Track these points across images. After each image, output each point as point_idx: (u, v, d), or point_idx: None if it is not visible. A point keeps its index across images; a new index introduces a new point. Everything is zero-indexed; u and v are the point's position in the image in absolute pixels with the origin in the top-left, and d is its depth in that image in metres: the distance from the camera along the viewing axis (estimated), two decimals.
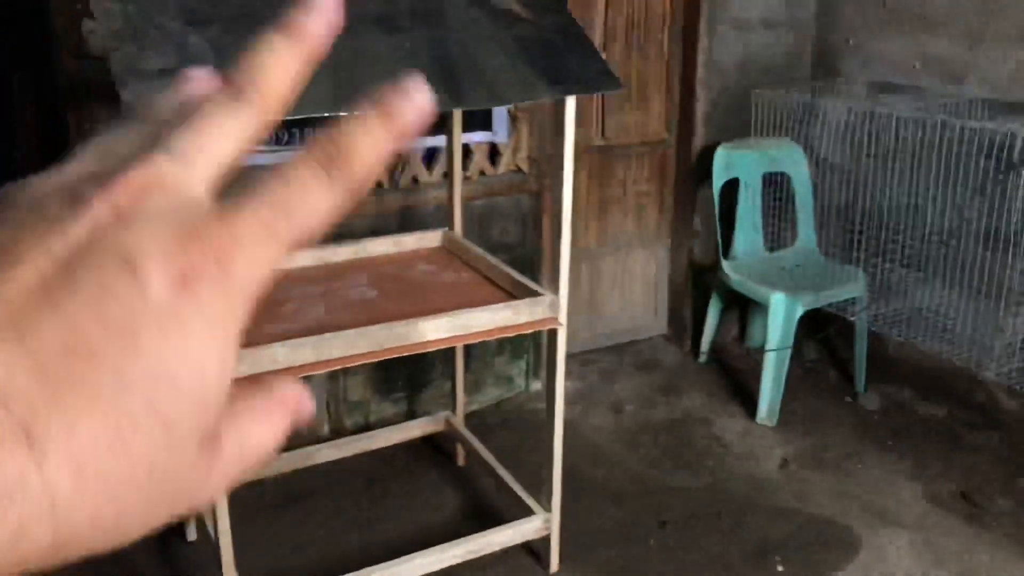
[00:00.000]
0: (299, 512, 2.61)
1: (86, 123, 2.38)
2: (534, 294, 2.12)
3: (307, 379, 2.81)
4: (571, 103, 1.93)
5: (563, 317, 2.12)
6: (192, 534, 2.50)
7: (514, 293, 2.19)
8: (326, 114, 1.76)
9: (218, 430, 0.26)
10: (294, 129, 2.60)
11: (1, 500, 0.21)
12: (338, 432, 2.94)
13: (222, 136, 0.27)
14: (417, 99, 0.27)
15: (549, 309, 2.08)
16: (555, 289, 2.12)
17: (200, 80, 0.29)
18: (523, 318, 2.04)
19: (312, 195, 0.26)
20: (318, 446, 2.72)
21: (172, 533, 2.50)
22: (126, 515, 0.24)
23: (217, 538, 1.97)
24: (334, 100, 1.74)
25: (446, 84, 1.81)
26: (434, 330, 1.92)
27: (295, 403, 0.28)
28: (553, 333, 2.15)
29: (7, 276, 0.23)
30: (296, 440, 2.85)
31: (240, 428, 0.27)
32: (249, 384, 0.28)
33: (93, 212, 0.24)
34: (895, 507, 2.69)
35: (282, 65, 0.28)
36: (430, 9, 1.92)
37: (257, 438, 0.27)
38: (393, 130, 0.27)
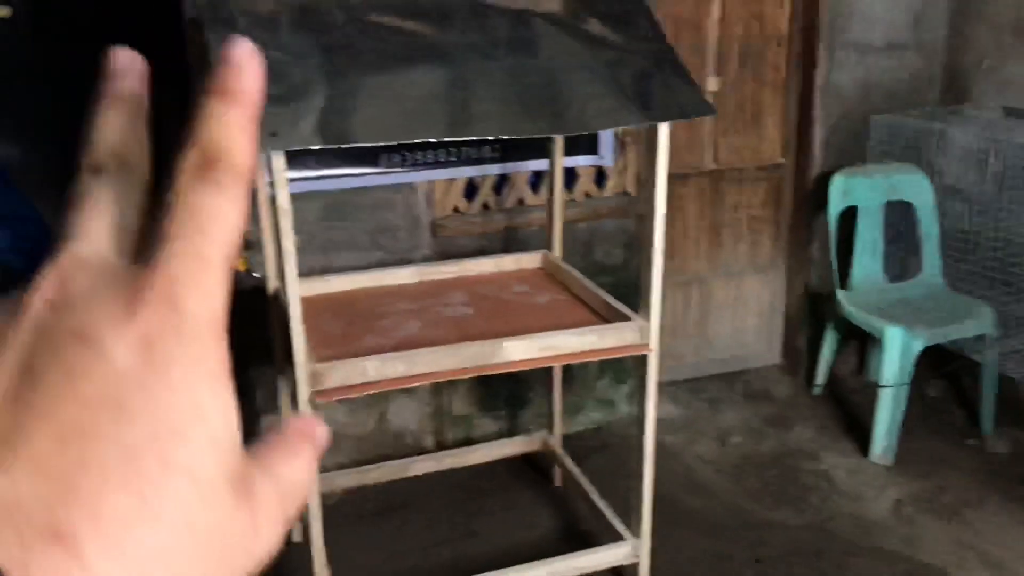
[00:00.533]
0: (396, 521, 2.68)
1: None
2: (626, 319, 2.11)
3: (411, 392, 2.91)
4: (664, 129, 1.93)
5: (654, 343, 2.11)
6: (297, 535, 2.62)
7: (607, 317, 2.19)
8: (444, 139, 1.84)
9: (249, 475, 0.25)
10: (406, 152, 2.70)
11: None
12: (441, 445, 3.01)
13: (105, 203, 0.27)
14: (242, 63, 0.27)
15: (638, 334, 2.08)
16: (647, 315, 2.11)
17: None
18: (609, 343, 2.04)
19: (211, 206, 0.25)
20: (418, 457, 2.80)
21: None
22: None
23: (311, 542, 2.06)
24: (449, 125, 1.82)
25: (537, 111, 1.85)
26: (519, 350, 1.95)
27: (312, 432, 0.28)
28: (642, 359, 2.14)
29: None
30: (399, 451, 2.94)
31: (270, 470, 0.27)
32: (262, 438, 0.28)
33: (28, 312, 0.24)
34: (1018, 561, 2.51)
35: (120, 127, 0.28)
36: (524, 38, 1.96)
37: (290, 476, 0.27)
38: (241, 105, 0.26)
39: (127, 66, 0.29)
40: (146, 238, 0.26)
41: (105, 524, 0.22)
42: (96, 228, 0.26)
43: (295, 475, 0.27)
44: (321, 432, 0.29)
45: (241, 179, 0.26)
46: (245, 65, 0.27)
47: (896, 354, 2.96)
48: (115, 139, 0.28)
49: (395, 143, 2.57)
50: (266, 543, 0.26)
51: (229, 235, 0.26)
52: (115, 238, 0.26)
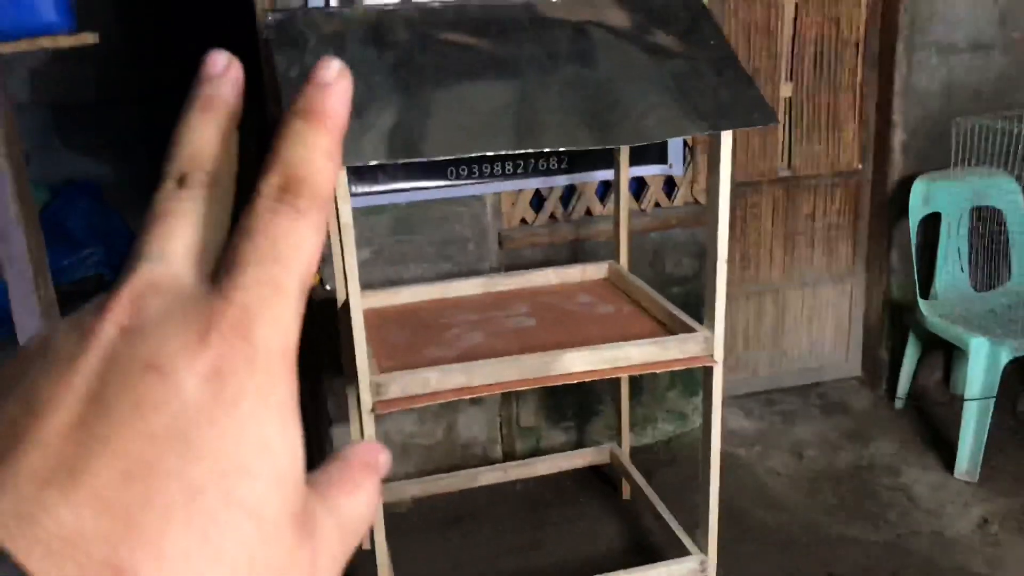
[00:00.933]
0: (462, 531, 2.71)
1: None
2: (690, 330, 2.09)
3: (479, 403, 2.93)
4: (726, 138, 1.91)
5: (719, 354, 2.08)
6: (366, 543, 2.67)
7: (672, 328, 2.17)
8: (514, 151, 1.85)
9: (311, 512, 0.25)
10: (474, 165, 2.73)
11: None
12: (509, 456, 3.02)
13: (184, 223, 0.26)
14: (329, 84, 0.26)
15: (702, 346, 2.05)
16: (711, 326, 2.08)
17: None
18: (672, 354, 2.02)
19: (289, 232, 0.25)
20: (486, 468, 2.81)
21: None
22: None
23: (373, 550, 2.09)
24: (513, 138, 1.84)
25: (597, 122, 1.85)
26: (578, 362, 1.95)
27: (375, 462, 0.28)
28: (708, 370, 2.11)
29: (39, 426, 0.22)
30: (467, 461, 2.96)
31: (331, 504, 0.26)
32: (325, 466, 0.27)
33: (100, 337, 0.23)
34: None
35: (209, 138, 0.27)
36: (585, 50, 1.96)
37: (352, 511, 0.27)
38: (325, 127, 0.26)
39: (223, 71, 0.28)
40: (223, 260, 0.25)
41: (167, 564, 0.21)
42: (175, 247, 0.25)
43: (357, 510, 0.27)
44: (384, 459, 0.28)
45: (323, 206, 0.26)
46: (334, 86, 0.26)
47: (982, 366, 2.84)
48: (204, 149, 0.27)
49: (462, 156, 2.61)
50: None
51: (306, 264, 0.25)
52: (194, 259, 0.26)
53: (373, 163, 1.88)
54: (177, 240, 0.26)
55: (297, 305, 0.25)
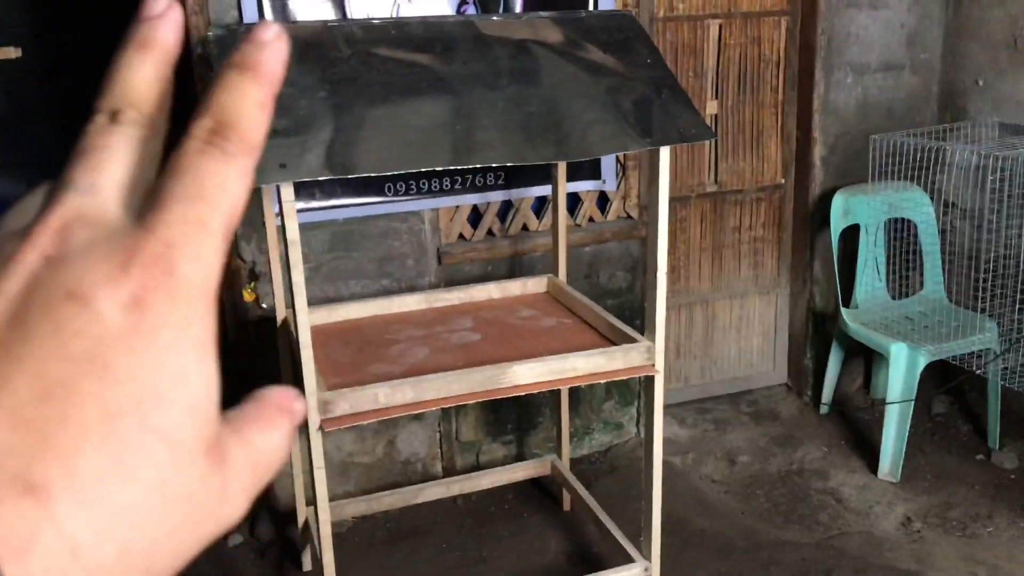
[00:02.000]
0: (406, 549, 2.69)
1: None
2: (632, 340, 2.14)
3: (419, 419, 2.93)
4: (665, 153, 1.97)
5: (660, 364, 2.13)
6: (307, 564, 2.63)
7: (613, 339, 2.21)
8: (448, 167, 1.87)
9: (223, 442, 0.25)
10: (411, 181, 2.74)
11: (19, 556, 0.21)
12: (450, 471, 3.02)
13: (115, 157, 0.26)
14: (271, 40, 0.27)
15: (644, 355, 2.10)
16: (652, 336, 2.14)
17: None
18: (617, 364, 2.07)
19: (217, 173, 0.26)
20: (428, 484, 2.81)
21: (287, 561, 2.64)
22: (154, 543, 0.23)
23: (322, 570, 2.07)
24: (453, 154, 1.85)
25: (539, 139, 1.88)
26: (527, 374, 1.97)
27: (290, 405, 0.28)
28: (649, 380, 2.16)
29: None
30: (408, 477, 2.95)
31: (244, 438, 0.26)
32: (241, 405, 0.28)
33: (24, 263, 0.24)
34: None
35: (144, 76, 0.27)
36: (526, 67, 2.00)
37: (263, 444, 0.27)
38: (259, 79, 0.27)
39: (163, 13, 0.28)
40: (150, 195, 0.26)
41: (79, 481, 0.22)
42: (103, 181, 0.26)
43: (269, 445, 0.27)
44: (299, 407, 0.28)
45: (251, 152, 0.26)
46: (271, 44, 0.27)
47: (901, 370, 2.98)
48: (138, 88, 0.27)
49: (401, 172, 2.62)
50: (235, 510, 0.26)
51: (232, 205, 0.26)
52: (121, 193, 0.26)
53: (314, 179, 1.88)
54: (106, 173, 0.26)
55: (220, 245, 0.26)
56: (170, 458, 0.24)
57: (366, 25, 2.05)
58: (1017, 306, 2.96)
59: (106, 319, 0.23)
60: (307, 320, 1.80)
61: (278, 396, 0.28)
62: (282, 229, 1.75)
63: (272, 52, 0.27)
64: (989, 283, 3.00)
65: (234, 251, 2.64)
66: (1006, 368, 3.02)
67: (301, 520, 2.59)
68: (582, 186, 2.98)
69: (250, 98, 0.26)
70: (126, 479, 0.23)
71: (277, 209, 1.83)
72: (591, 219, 3.05)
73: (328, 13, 2.54)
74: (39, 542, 0.21)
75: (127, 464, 0.23)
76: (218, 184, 0.26)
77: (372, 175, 2.16)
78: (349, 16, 2.54)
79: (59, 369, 0.23)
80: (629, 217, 3.10)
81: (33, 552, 0.21)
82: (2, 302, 0.23)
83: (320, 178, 1.72)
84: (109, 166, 0.26)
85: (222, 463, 0.25)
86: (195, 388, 0.24)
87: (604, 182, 3.01)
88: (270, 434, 0.27)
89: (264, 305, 2.66)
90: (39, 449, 0.22)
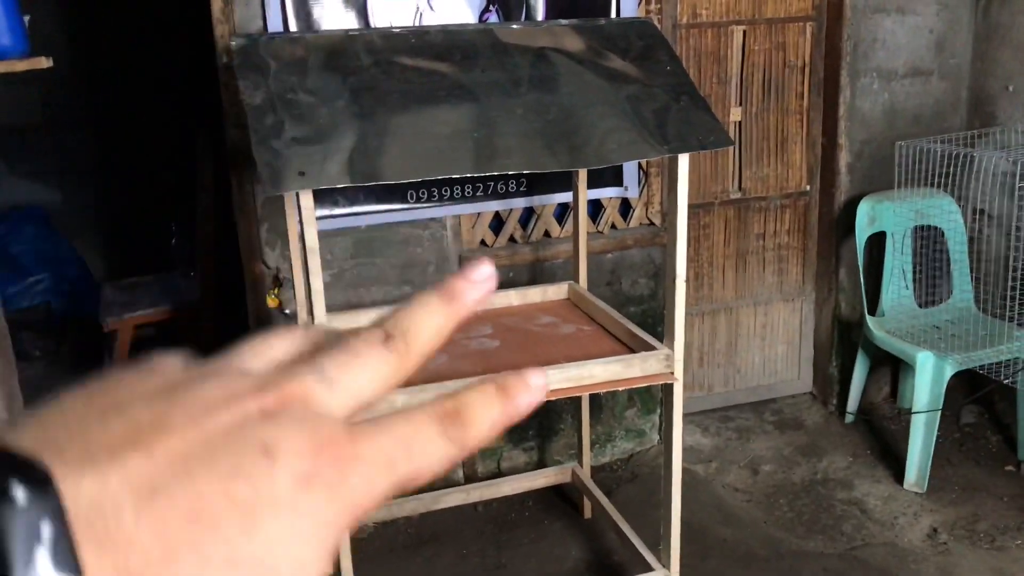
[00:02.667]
0: (427, 554, 2.70)
1: (246, 183, 2.62)
2: (651, 348, 2.13)
3: None
4: (684, 160, 1.96)
5: (679, 371, 2.12)
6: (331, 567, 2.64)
7: (632, 347, 2.21)
8: (469, 175, 1.89)
9: None
10: (434, 188, 2.76)
11: None
12: (470, 478, 3.03)
13: (366, 375, 0.29)
14: (534, 388, 0.31)
15: (663, 363, 2.09)
16: (671, 343, 2.13)
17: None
18: (635, 372, 2.06)
19: (430, 442, 0.29)
20: (449, 490, 2.81)
21: None
22: None
23: (340, 574, 2.08)
24: (473, 161, 1.87)
25: (557, 146, 1.89)
26: None
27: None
28: (668, 387, 2.15)
29: (156, 439, 0.25)
30: (429, 483, 2.96)
31: None
32: None
33: (244, 406, 0.27)
34: None
35: (433, 325, 0.31)
36: (545, 75, 2.01)
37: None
38: (507, 408, 0.30)
39: (481, 283, 0.32)
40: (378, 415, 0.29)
41: None
42: (344, 383, 0.29)
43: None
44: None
45: (463, 450, 0.30)
46: (532, 386, 0.31)
47: (928, 380, 2.94)
48: (420, 329, 0.31)
49: (421, 180, 2.63)
50: None
51: (418, 472, 0.29)
52: (350, 403, 0.29)
53: (334, 187, 1.90)
54: (351, 379, 0.29)
55: (389, 494, 0.28)
56: None
57: (386, 34, 2.06)
58: None
59: (277, 481, 0.26)
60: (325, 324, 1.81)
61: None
62: (302, 236, 1.77)
63: (532, 396, 0.31)
64: (1019, 292, 2.95)
65: (258, 257, 2.67)
66: None
67: None
68: (604, 193, 2.98)
69: (492, 420, 0.30)
70: None
71: (298, 216, 1.86)
72: (613, 226, 3.05)
73: (351, 23, 2.56)
74: None
75: None
76: (425, 451, 0.29)
77: (394, 183, 2.17)
78: (372, 25, 2.57)
79: (217, 502, 0.25)
80: (652, 224, 3.09)
81: None
82: (210, 426, 0.26)
83: (339, 185, 1.74)
84: (357, 375, 0.29)
85: None
86: (305, 573, 0.26)
87: (626, 189, 3.01)
88: None
89: (287, 311, 2.68)
90: (164, 560, 0.24)
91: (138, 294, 3.76)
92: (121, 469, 0.24)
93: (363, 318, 2.43)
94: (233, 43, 1.94)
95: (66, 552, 0.22)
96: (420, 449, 0.29)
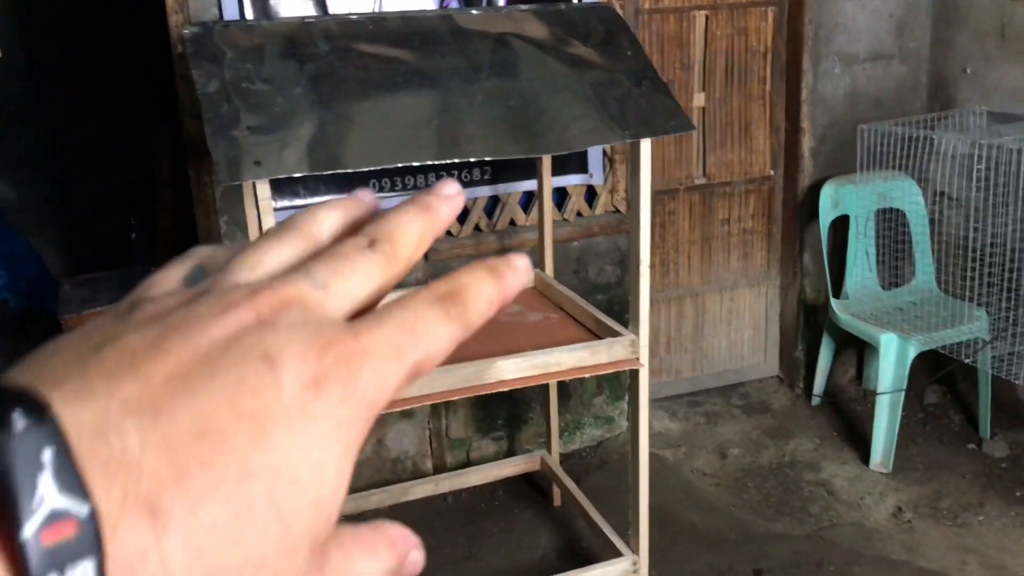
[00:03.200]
0: None
1: (204, 175, 2.58)
2: (616, 334, 2.13)
3: (408, 416, 2.92)
4: (646, 146, 1.95)
5: (644, 357, 2.12)
6: None
7: (599, 334, 2.20)
8: (430, 162, 1.86)
9: (328, 550, 0.26)
10: (396, 177, 2.73)
11: (123, 570, 0.22)
12: (440, 468, 3.01)
13: (357, 278, 0.29)
14: (520, 269, 0.31)
15: (629, 349, 2.09)
16: (636, 329, 2.13)
17: (362, 203, 0.32)
18: (601, 358, 2.05)
19: (434, 325, 0.28)
20: (417, 481, 2.80)
21: None
22: None
23: None
24: (435, 149, 1.84)
25: (520, 132, 1.87)
26: (511, 369, 1.96)
27: (404, 548, 0.29)
28: (634, 373, 2.15)
29: (152, 361, 0.24)
30: (398, 475, 2.94)
31: (347, 554, 0.27)
32: (359, 525, 0.29)
33: (239, 315, 0.26)
34: (1018, 564, 2.50)
35: (415, 231, 0.31)
36: (506, 61, 1.99)
37: (362, 569, 0.27)
38: (501, 288, 0.30)
39: (454, 197, 0.32)
40: (374, 311, 0.29)
41: (195, 523, 0.23)
42: (338, 285, 0.28)
43: (366, 572, 0.28)
44: (416, 557, 0.29)
45: (467, 328, 0.29)
46: (519, 269, 0.31)
47: (892, 361, 2.97)
48: (403, 235, 0.30)
49: (383, 168, 2.60)
50: None
51: (429, 354, 0.28)
52: (345, 301, 0.28)
53: (296, 176, 1.87)
54: (341, 280, 0.28)
55: (403, 380, 0.27)
56: (279, 539, 0.24)
57: (344, 21, 2.03)
58: (1006, 295, 2.95)
59: (284, 389, 0.25)
60: None
61: (396, 533, 0.29)
62: (260, 227, 1.74)
63: (519, 280, 0.31)
64: (979, 272, 2.99)
65: None
66: (996, 357, 3.01)
67: None
68: (569, 180, 2.97)
69: (490, 293, 0.30)
70: (235, 540, 0.23)
71: (256, 208, 1.83)
72: (579, 213, 3.04)
73: (309, 10, 2.52)
74: (143, 563, 0.22)
75: (241, 527, 0.24)
76: (429, 331, 0.28)
77: (354, 171, 2.14)
78: (330, 12, 2.53)
79: (223, 417, 0.24)
80: (617, 211, 3.08)
81: (135, 571, 0.22)
82: (205, 342, 0.25)
83: (297, 174, 1.71)
84: (349, 277, 0.29)
85: (320, 568, 0.26)
86: (327, 485, 0.25)
87: (591, 176, 3.00)
88: (372, 563, 0.28)
89: None
90: (175, 480, 0.23)
91: (98, 289, 3.69)
92: (120, 395, 0.24)
93: None
94: (186, 32, 1.90)
95: (70, 475, 0.22)
96: (425, 332, 0.28)
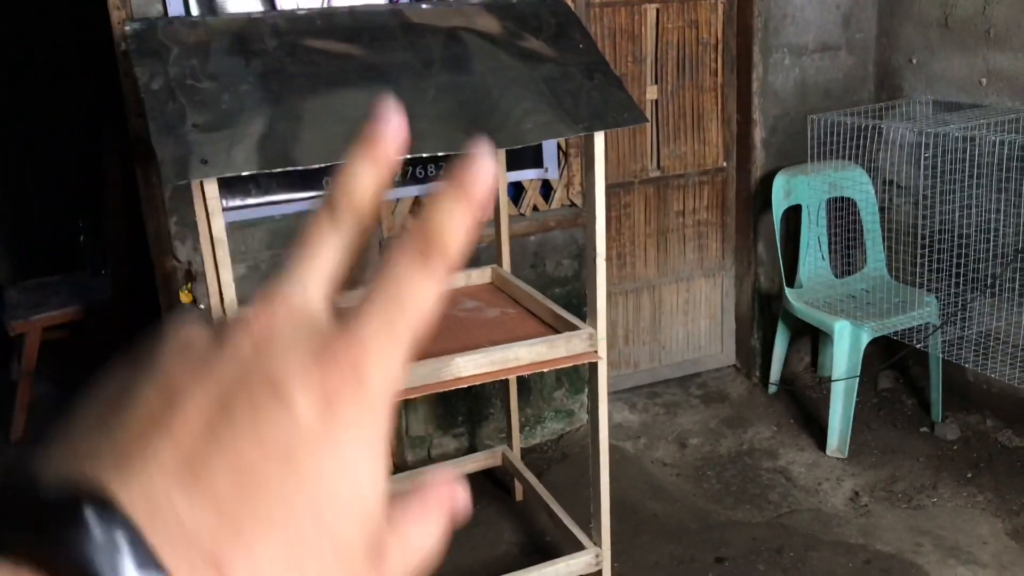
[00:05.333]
0: None
1: (152, 176, 2.52)
2: (574, 328, 2.13)
3: None
4: (599, 139, 1.95)
5: (602, 350, 2.12)
6: None
7: (557, 328, 2.20)
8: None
9: (383, 543, 0.27)
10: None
11: None
12: (400, 467, 2.99)
13: (325, 252, 0.29)
14: (484, 170, 0.29)
15: (587, 342, 2.09)
16: (594, 322, 2.13)
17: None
18: (560, 352, 2.05)
19: (418, 286, 0.28)
20: None
21: None
22: None
23: None
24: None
25: (473, 127, 1.86)
26: (469, 366, 1.95)
27: (451, 500, 0.29)
28: (593, 366, 2.15)
29: (175, 422, 0.25)
30: None
31: (400, 534, 0.28)
32: (408, 494, 0.30)
33: (236, 348, 0.26)
34: (971, 544, 2.56)
35: (366, 186, 0.30)
36: (458, 55, 1.97)
37: (417, 540, 0.28)
38: (469, 203, 0.29)
39: (395, 132, 0.31)
40: (343, 287, 0.29)
41: (256, 566, 0.24)
42: (312, 276, 0.28)
43: (422, 542, 0.28)
44: (461, 495, 0.30)
45: (450, 269, 0.29)
46: (482, 169, 0.29)
47: (845, 347, 3.01)
48: (361, 194, 0.30)
49: (336, 165, 2.57)
50: None
51: (424, 318, 0.28)
52: (325, 287, 0.29)
53: (245, 173, 1.83)
54: (316, 269, 0.29)
55: (407, 354, 0.28)
56: (335, 557, 0.25)
57: (292, 16, 2.00)
58: (955, 280, 3.01)
59: (300, 417, 0.25)
60: None
61: (440, 489, 0.29)
62: (208, 227, 1.70)
63: (484, 183, 0.29)
64: (928, 259, 3.04)
65: (168, 251, 2.57)
66: (946, 342, 3.07)
67: None
68: (525, 175, 2.97)
69: (460, 221, 0.29)
70: (295, 570, 0.24)
71: (204, 208, 1.79)
72: (535, 208, 3.04)
73: (256, 6, 2.48)
74: None
75: (297, 557, 0.24)
76: (417, 298, 0.28)
77: (307, 168, 2.11)
78: (277, 8, 2.49)
79: (254, 460, 0.25)
80: (573, 205, 3.09)
81: None
82: (215, 384, 0.26)
83: (246, 172, 1.68)
84: (320, 262, 0.29)
85: (379, 563, 0.27)
86: (366, 489, 0.26)
87: (547, 170, 3.00)
88: (425, 530, 0.28)
89: (202, 306, 2.60)
90: (230, 533, 0.24)
91: (46, 295, 3.61)
92: (157, 463, 0.24)
93: None
94: (128, 28, 1.85)
95: (144, 553, 0.23)
96: (414, 299, 0.28)
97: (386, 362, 0.27)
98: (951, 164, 2.98)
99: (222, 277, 1.72)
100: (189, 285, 2.57)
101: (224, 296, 1.75)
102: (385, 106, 0.31)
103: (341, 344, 0.26)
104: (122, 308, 3.54)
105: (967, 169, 2.94)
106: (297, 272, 0.28)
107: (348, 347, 0.26)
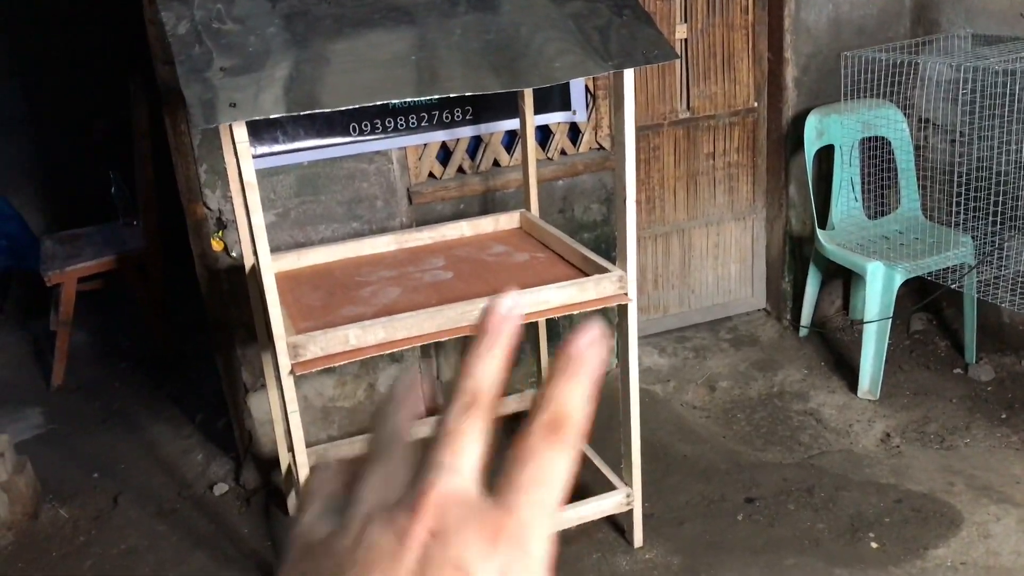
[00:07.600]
0: None
1: (181, 123, 2.53)
2: (604, 271, 2.12)
3: (399, 360, 2.92)
4: (629, 76, 1.92)
5: (632, 292, 2.12)
6: (293, 508, 2.64)
7: (586, 271, 2.20)
8: (410, 99, 1.83)
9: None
10: (377, 120, 2.69)
11: None
12: (433, 412, 3.02)
13: (472, 442, 0.32)
14: (591, 344, 0.33)
15: (617, 285, 2.08)
16: (624, 265, 2.12)
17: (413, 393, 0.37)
18: (589, 295, 2.05)
19: (558, 462, 0.31)
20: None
21: (273, 507, 2.65)
22: None
23: None
24: (414, 85, 1.81)
25: (500, 66, 1.84)
26: None
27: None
28: (623, 309, 2.15)
29: None
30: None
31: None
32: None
33: (416, 538, 0.29)
34: (1004, 483, 2.55)
35: (492, 371, 0.33)
36: None
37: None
38: (588, 380, 0.32)
39: (513, 316, 0.34)
40: (506, 478, 0.31)
41: None
42: (465, 463, 0.31)
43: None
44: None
45: (578, 440, 0.32)
46: (594, 349, 0.33)
47: (878, 289, 2.98)
48: (488, 379, 0.33)
49: (363, 107, 2.56)
50: None
51: (563, 487, 0.32)
52: (476, 472, 0.32)
53: (274, 116, 1.83)
54: (466, 456, 0.32)
55: (554, 523, 0.31)
56: None
57: None
58: (991, 219, 2.96)
59: None
60: (270, 264, 1.77)
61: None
62: (239, 171, 1.71)
63: (595, 354, 0.33)
64: (964, 198, 2.99)
65: (199, 199, 2.59)
66: (981, 282, 3.03)
67: (284, 466, 2.60)
68: (552, 118, 2.93)
69: (580, 397, 0.32)
70: None
71: (235, 151, 1.79)
72: (563, 152, 3.01)
73: None
74: None
75: None
76: (556, 471, 0.31)
77: (334, 111, 2.10)
78: None
79: None
80: (601, 148, 3.05)
81: None
82: (404, 573, 0.28)
83: (274, 115, 1.67)
84: (468, 449, 0.32)
85: None
86: None
87: (574, 113, 2.96)
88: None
89: (233, 254, 2.62)
90: None
91: (80, 245, 3.66)
92: None
93: (314, 256, 2.38)
94: None
95: None
96: (553, 473, 0.31)
97: (542, 532, 0.30)
98: (989, 100, 2.90)
99: (253, 221, 1.73)
100: (220, 233, 2.58)
101: (256, 241, 1.76)
102: (497, 300, 0.34)
103: (506, 523, 0.30)
104: (155, 257, 3.58)
105: (1006, 105, 2.86)
106: (449, 462, 0.31)
107: (514, 527, 0.30)
